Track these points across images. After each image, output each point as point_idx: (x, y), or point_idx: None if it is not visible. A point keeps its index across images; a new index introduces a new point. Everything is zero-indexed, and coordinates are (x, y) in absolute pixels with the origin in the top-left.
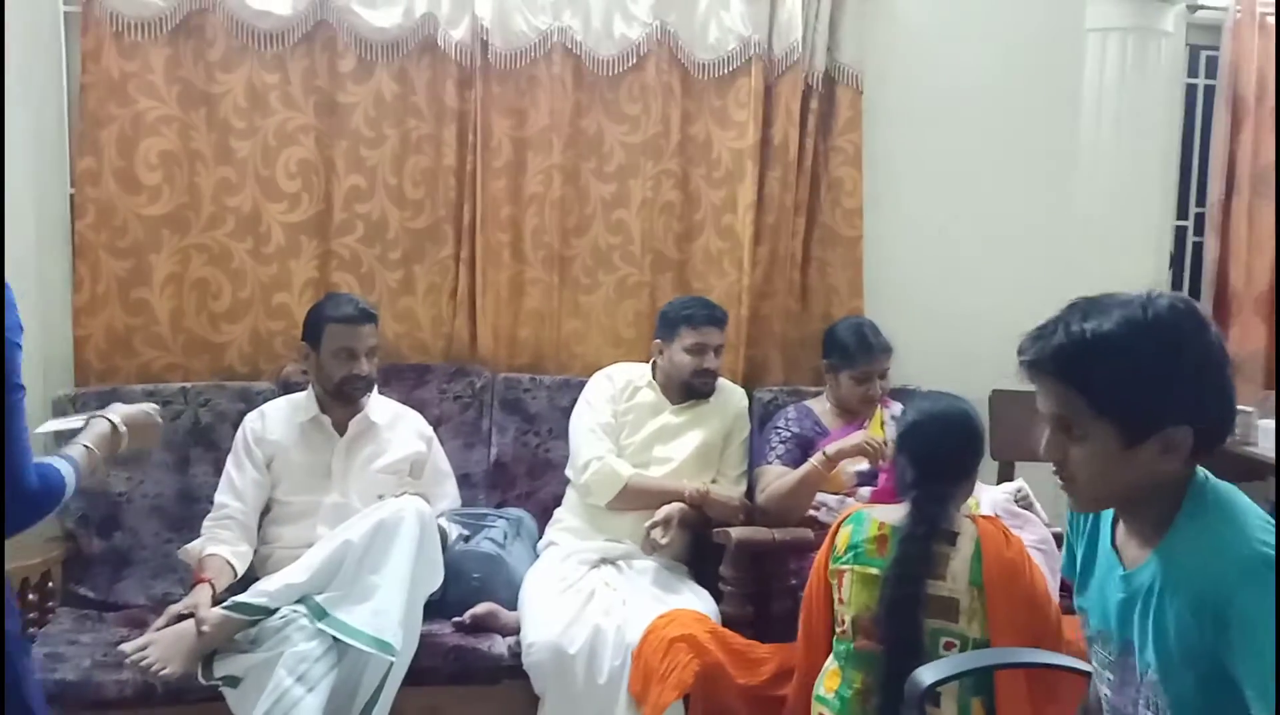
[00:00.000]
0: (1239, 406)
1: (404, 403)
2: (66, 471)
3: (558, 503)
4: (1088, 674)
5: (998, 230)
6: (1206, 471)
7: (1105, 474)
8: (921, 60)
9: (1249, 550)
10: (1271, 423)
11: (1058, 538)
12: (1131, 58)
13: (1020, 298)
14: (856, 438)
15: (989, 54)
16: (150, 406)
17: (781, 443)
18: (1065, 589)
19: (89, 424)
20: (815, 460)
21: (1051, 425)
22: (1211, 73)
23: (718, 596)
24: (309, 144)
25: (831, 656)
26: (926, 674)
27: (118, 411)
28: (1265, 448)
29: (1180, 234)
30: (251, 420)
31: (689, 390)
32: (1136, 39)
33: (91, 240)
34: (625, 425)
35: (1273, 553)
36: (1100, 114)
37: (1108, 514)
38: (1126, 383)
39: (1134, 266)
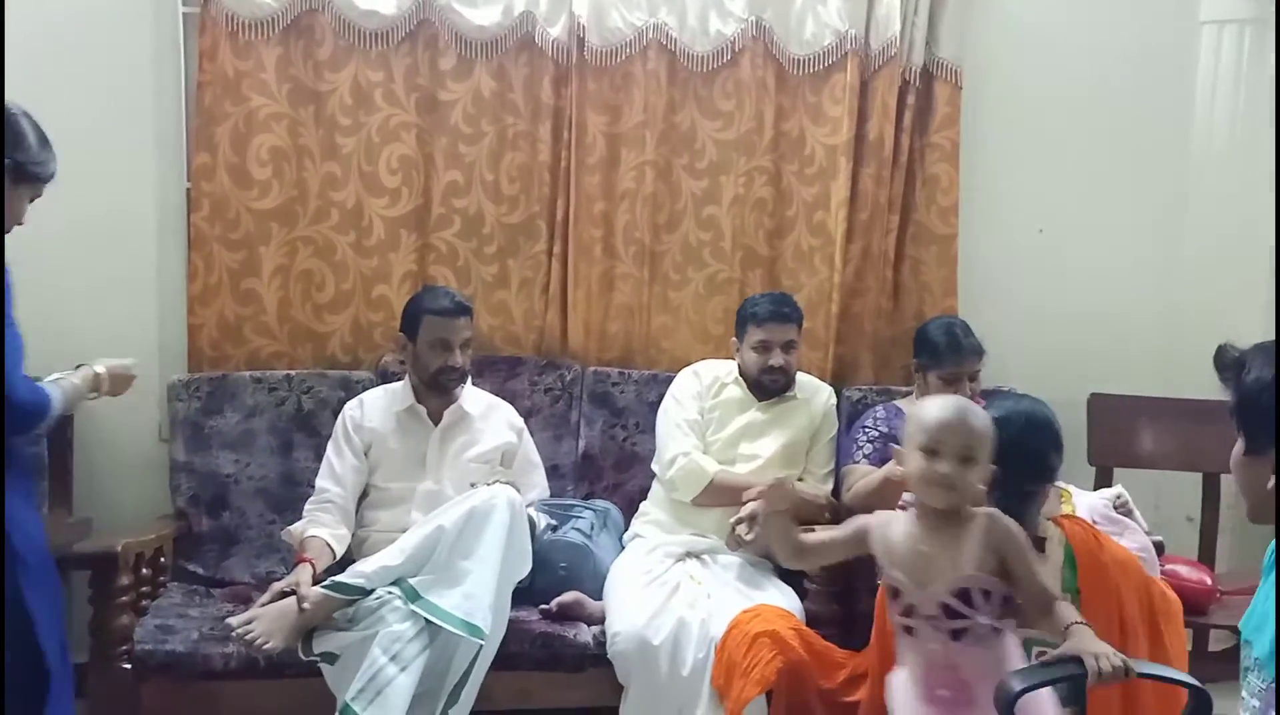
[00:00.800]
0: None
1: (497, 394)
2: (54, 393)
3: (644, 496)
4: (1191, 686)
5: (1100, 232)
6: None
7: None
8: (1024, 55)
9: None
10: None
11: (1158, 546)
12: (1249, 50)
13: (1120, 301)
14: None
15: (1096, 48)
16: (129, 361)
17: (870, 442)
18: None
19: (78, 369)
20: (895, 471)
21: None
22: None
23: (802, 594)
24: (410, 140)
25: None
26: (1016, 681)
27: (103, 362)
28: None
29: None
30: (351, 408)
31: (760, 388)
32: (1254, 30)
33: (206, 232)
34: (712, 421)
35: None
36: (1215, 110)
37: None
38: None
39: (1243, 265)
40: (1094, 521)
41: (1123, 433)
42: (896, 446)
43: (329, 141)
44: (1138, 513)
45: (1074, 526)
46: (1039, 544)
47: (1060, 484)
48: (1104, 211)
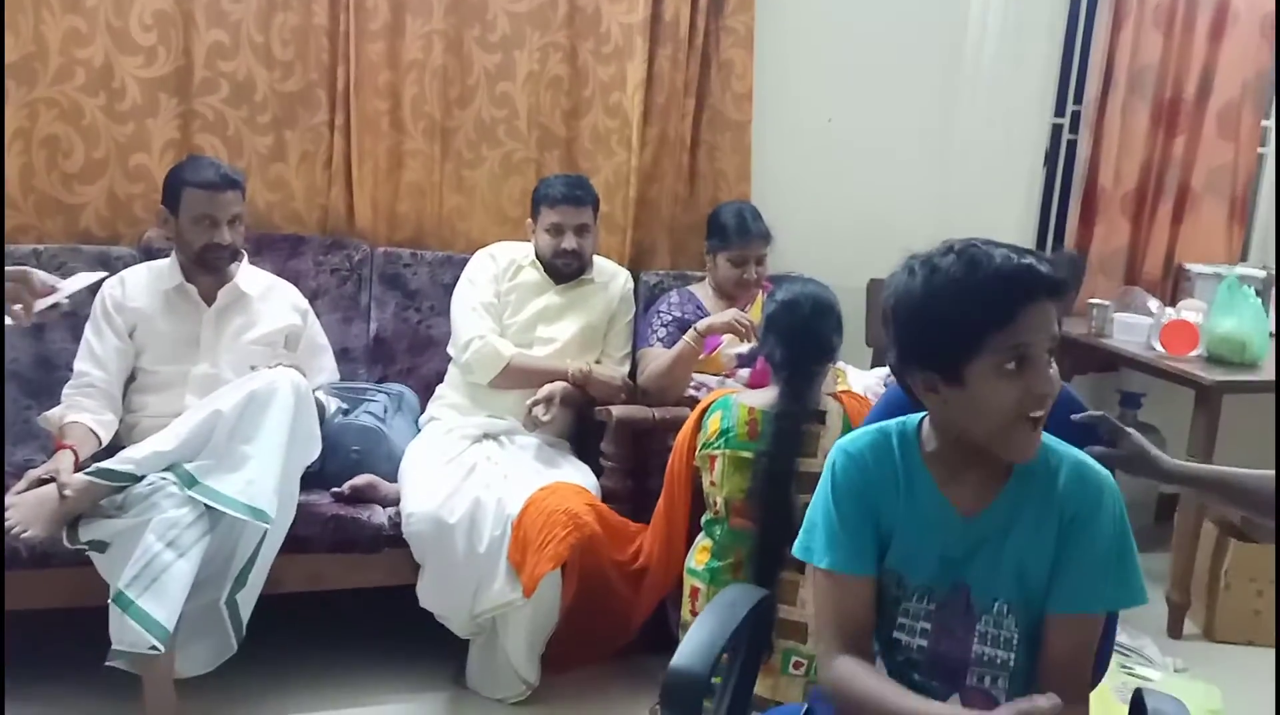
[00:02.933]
0: (1099, 301)
1: (278, 274)
2: None
3: (439, 379)
4: None
5: (884, 123)
6: None
7: None
8: None
9: (1095, 469)
10: (1128, 316)
11: None
12: None
13: (901, 191)
14: (727, 315)
15: None
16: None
17: (664, 326)
18: None
19: None
20: (688, 337)
21: (1051, 354)
22: None
23: (598, 472)
24: None
25: (703, 534)
26: (693, 663)
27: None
28: (1120, 341)
29: (1056, 132)
30: (111, 286)
31: (555, 271)
32: None
33: None
34: (508, 304)
35: (1107, 473)
36: (988, 8)
37: (922, 475)
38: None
39: (1011, 163)
40: (866, 397)
41: None
42: None
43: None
44: None
45: (851, 401)
46: (820, 417)
47: (838, 364)
48: (886, 103)
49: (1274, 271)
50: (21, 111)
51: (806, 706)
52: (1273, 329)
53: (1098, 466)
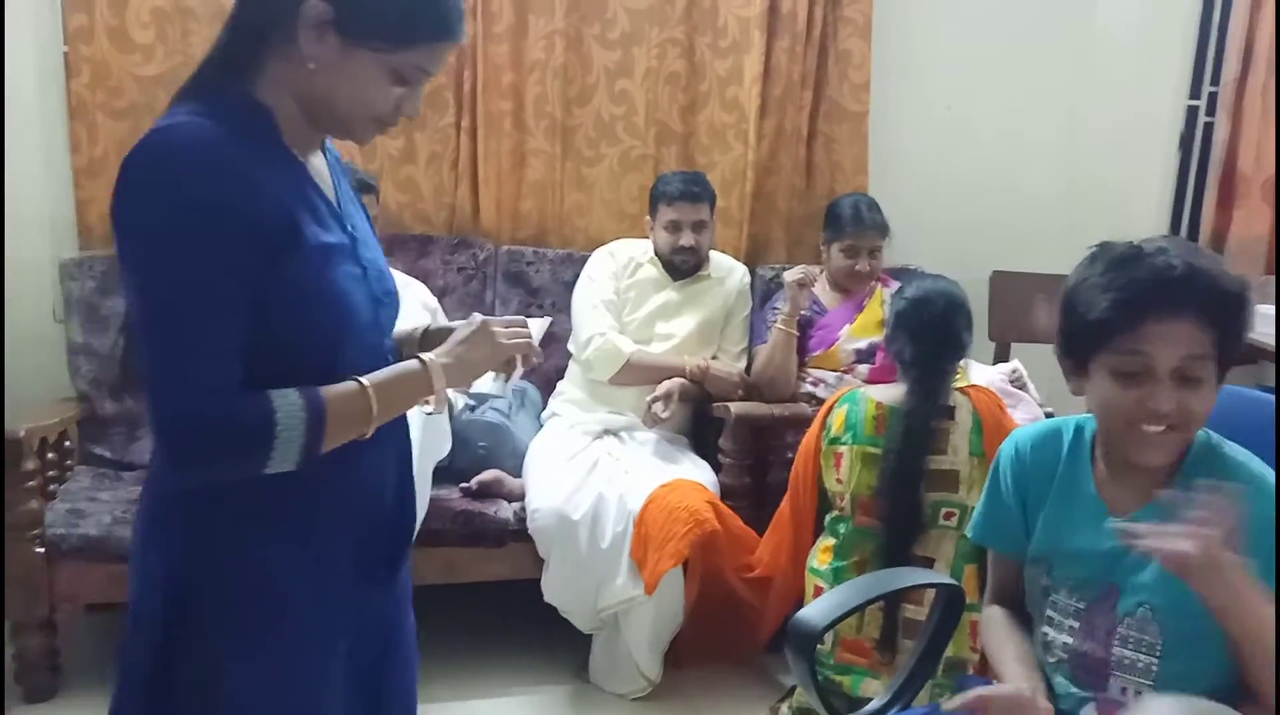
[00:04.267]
0: None
1: (408, 273)
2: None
3: (561, 375)
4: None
5: (1008, 109)
6: None
7: (1208, 416)
8: None
9: (1271, 482)
10: (1270, 308)
11: (1049, 417)
12: None
13: (1026, 180)
14: (793, 283)
15: None
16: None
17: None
18: None
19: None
20: (780, 323)
21: (1169, 377)
22: None
23: (717, 468)
24: None
25: (825, 533)
26: (815, 615)
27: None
28: (1261, 333)
29: (1192, 114)
30: None
31: (673, 268)
32: None
33: (87, 101)
34: (628, 302)
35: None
36: None
37: (1085, 471)
38: (1248, 322)
39: (1144, 148)
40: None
41: (1022, 309)
42: None
43: (214, 1)
44: (1032, 386)
45: (979, 394)
46: (949, 412)
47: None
48: (1011, 91)
49: None
50: None
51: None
52: None
53: (1263, 468)
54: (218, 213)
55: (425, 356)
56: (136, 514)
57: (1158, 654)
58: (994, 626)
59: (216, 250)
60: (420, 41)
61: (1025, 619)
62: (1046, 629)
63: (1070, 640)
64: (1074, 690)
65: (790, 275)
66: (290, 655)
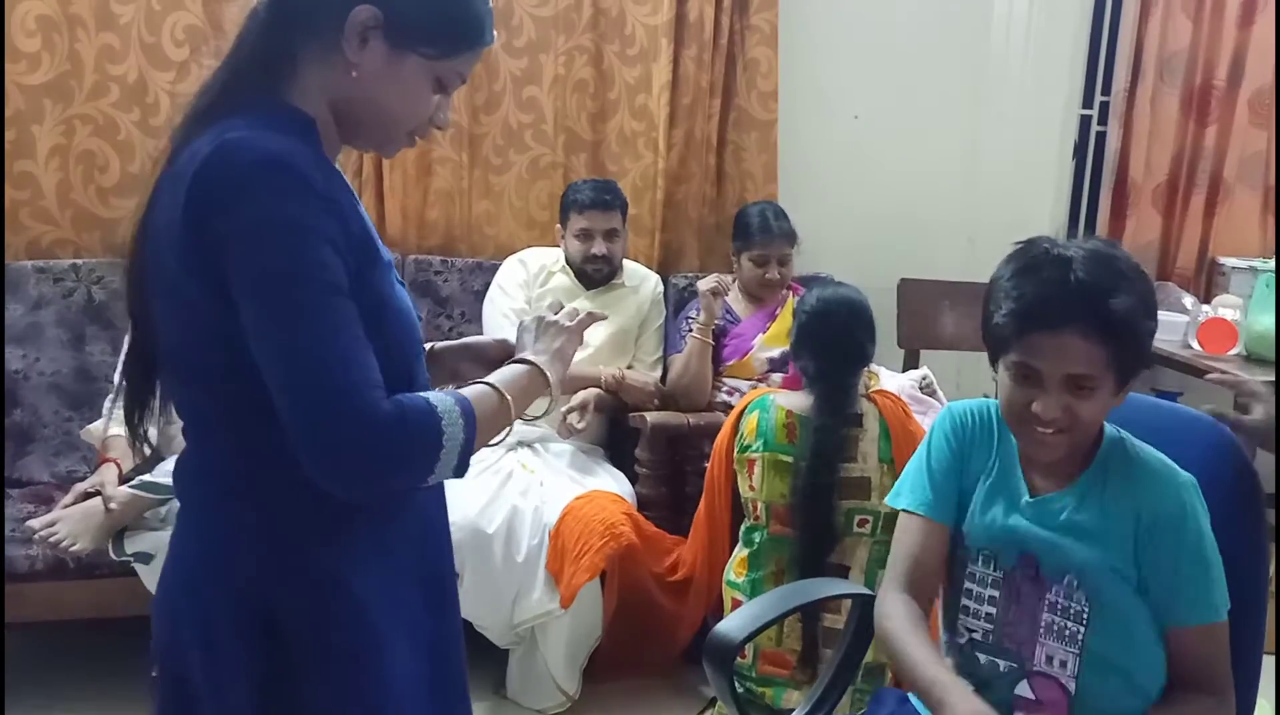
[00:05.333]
0: None
1: None
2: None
3: None
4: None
5: (911, 119)
6: None
7: (1098, 423)
8: None
9: (1177, 475)
10: (1163, 314)
11: None
12: None
13: (930, 188)
14: (706, 292)
15: None
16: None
17: (691, 330)
18: None
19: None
20: (694, 332)
21: (1063, 384)
22: None
23: (633, 479)
24: (196, 10)
25: (740, 544)
26: (733, 628)
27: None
28: (1155, 339)
29: (1084, 123)
30: None
31: (585, 276)
32: None
33: None
34: (539, 310)
35: (1188, 477)
36: (1012, 2)
37: (1009, 451)
38: (1147, 338)
39: (1038, 157)
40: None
41: (929, 317)
42: None
43: (104, 9)
44: (940, 392)
45: (885, 401)
46: (857, 420)
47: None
48: (913, 101)
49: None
50: (58, 128)
51: None
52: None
53: (1180, 471)
54: (324, 212)
55: (529, 357)
56: (186, 544)
57: (1084, 622)
58: (899, 622)
59: (332, 244)
60: (466, 47)
61: (925, 605)
62: (966, 602)
63: (993, 610)
64: (1000, 666)
65: (703, 284)
66: (378, 683)
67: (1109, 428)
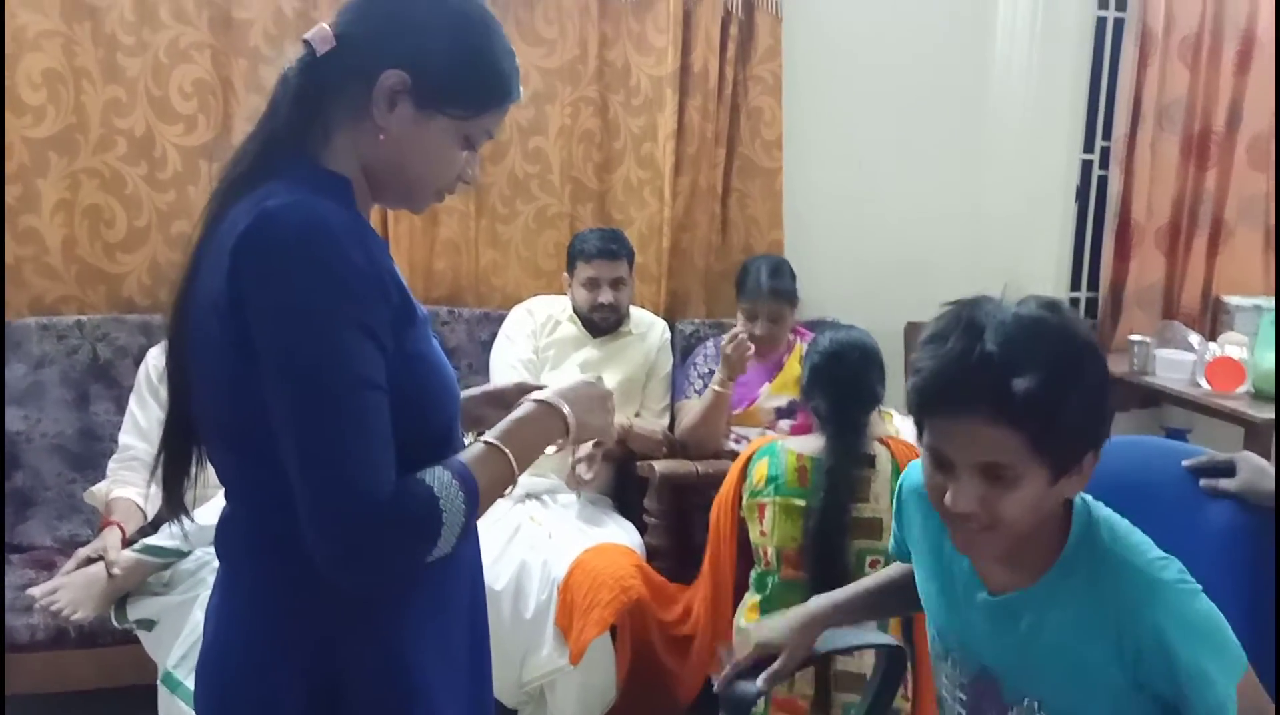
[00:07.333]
0: (1140, 337)
1: None
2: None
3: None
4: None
5: (913, 164)
6: (1084, 494)
7: (1028, 516)
8: None
9: (1155, 583)
10: (1170, 352)
11: None
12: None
13: (934, 232)
14: (727, 349)
15: None
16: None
17: (700, 377)
18: None
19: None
20: (714, 384)
21: (976, 473)
22: (1122, 6)
23: (642, 528)
24: (204, 62)
25: (752, 589)
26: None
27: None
28: (1163, 377)
29: (1086, 168)
30: (154, 356)
31: (592, 325)
32: None
33: None
34: (547, 360)
35: (1169, 577)
36: (1013, 48)
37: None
38: (1077, 418)
39: (1041, 201)
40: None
41: None
42: None
43: (110, 62)
44: None
45: (897, 445)
46: (869, 461)
47: (881, 407)
48: (916, 146)
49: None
50: (63, 182)
51: None
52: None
53: (1158, 566)
54: (361, 292)
55: (540, 396)
56: (245, 620)
57: None
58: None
59: (365, 329)
60: (494, 105)
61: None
62: (942, 691)
63: (963, 712)
64: None
65: (727, 349)
66: None
67: (1080, 506)
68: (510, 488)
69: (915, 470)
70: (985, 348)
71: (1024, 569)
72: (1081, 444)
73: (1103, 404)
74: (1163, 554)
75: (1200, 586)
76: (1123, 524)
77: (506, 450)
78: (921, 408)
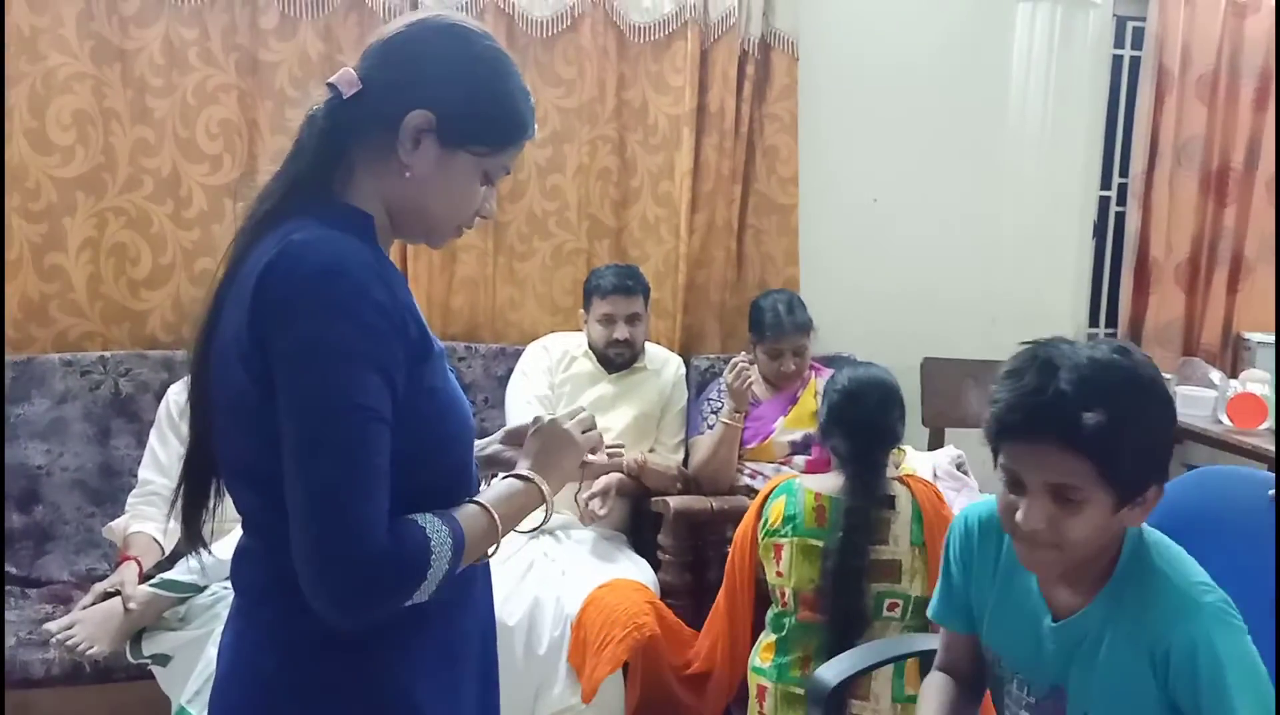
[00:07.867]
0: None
1: None
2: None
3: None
4: None
5: (928, 200)
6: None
7: (1091, 540)
8: (856, 28)
9: (1192, 602)
10: (1191, 389)
11: None
12: (1060, 29)
13: (950, 268)
14: (732, 382)
15: (922, 24)
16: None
17: (714, 412)
18: None
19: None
20: (724, 417)
21: (1045, 494)
22: (1138, 44)
23: (655, 565)
24: (230, 104)
25: (768, 629)
26: (829, 674)
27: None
28: (1184, 415)
29: (1104, 204)
30: (175, 391)
31: (607, 361)
32: (1065, 10)
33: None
34: (563, 396)
35: (1210, 600)
36: (1028, 85)
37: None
38: (1140, 451)
39: (1059, 237)
40: (937, 478)
41: (952, 396)
42: None
43: (139, 104)
44: (971, 473)
45: (918, 485)
46: (889, 502)
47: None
48: (930, 181)
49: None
50: (90, 220)
51: None
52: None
53: (1202, 592)
54: (380, 329)
55: (525, 472)
56: (258, 657)
57: None
58: (929, 690)
59: (379, 369)
60: (513, 141)
61: (968, 690)
62: (1005, 713)
63: None
64: None
65: (730, 381)
66: None
67: (1132, 532)
68: (493, 550)
69: (981, 506)
70: (1060, 385)
71: (1082, 589)
72: (1144, 475)
73: (1166, 440)
74: (1209, 580)
75: (1245, 627)
76: (1173, 547)
77: (497, 518)
78: (999, 435)
